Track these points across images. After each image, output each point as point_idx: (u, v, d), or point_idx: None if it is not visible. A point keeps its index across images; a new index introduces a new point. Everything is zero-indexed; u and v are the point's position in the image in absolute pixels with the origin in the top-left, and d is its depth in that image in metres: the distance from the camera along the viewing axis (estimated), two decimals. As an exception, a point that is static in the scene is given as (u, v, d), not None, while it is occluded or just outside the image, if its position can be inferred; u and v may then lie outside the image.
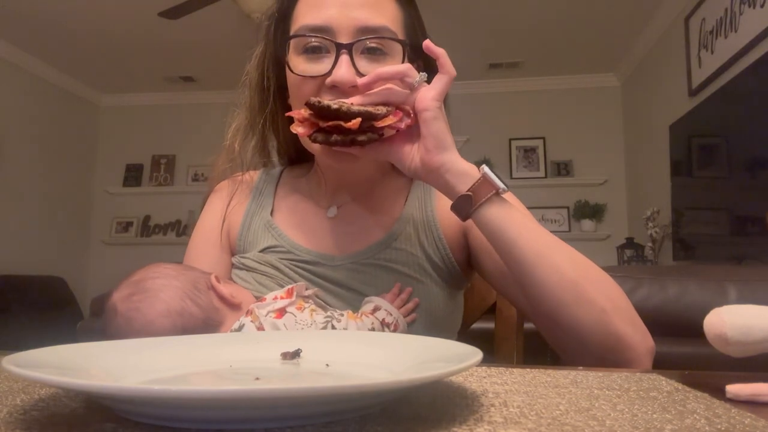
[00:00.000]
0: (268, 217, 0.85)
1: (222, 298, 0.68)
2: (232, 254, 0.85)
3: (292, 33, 0.73)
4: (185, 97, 5.18)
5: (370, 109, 0.60)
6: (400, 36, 0.73)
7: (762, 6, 2.50)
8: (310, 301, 0.71)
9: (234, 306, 0.68)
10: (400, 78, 0.63)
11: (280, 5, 0.79)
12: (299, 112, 0.63)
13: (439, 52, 0.63)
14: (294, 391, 0.28)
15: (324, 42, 0.69)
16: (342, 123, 0.59)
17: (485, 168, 0.63)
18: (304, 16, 0.72)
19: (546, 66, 4.56)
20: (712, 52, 2.99)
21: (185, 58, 4.48)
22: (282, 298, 0.68)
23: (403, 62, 0.71)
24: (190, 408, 0.30)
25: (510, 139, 4.83)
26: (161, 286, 0.64)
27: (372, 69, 0.68)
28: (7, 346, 0.64)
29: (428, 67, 0.82)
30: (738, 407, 0.35)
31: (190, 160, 5.14)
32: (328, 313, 0.68)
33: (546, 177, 4.75)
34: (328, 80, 0.68)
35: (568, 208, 4.69)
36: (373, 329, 0.68)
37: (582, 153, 4.73)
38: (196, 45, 4.20)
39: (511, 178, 4.77)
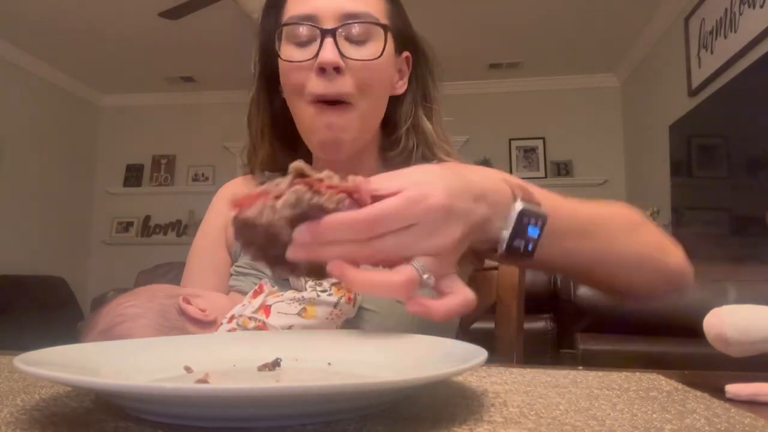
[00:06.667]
0: None
1: (194, 320, 0.66)
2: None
3: (282, 23, 0.77)
4: (185, 97, 5.17)
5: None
6: (384, 22, 0.76)
7: (762, 6, 2.50)
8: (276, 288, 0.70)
9: (207, 324, 0.66)
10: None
11: None
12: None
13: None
14: (294, 390, 0.28)
15: (310, 30, 0.73)
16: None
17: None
18: (294, 7, 0.76)
19: (546, 66, 4.56)
20: (712, 52, 2.99)
21: (185, 58, 4.47)
22: (255, 295, 0.67)
23: (385, 46, 0.74)
24: (189, 406, 0.30)
25: (510, 139, 4.83)
26: (129, 330, 0.62)
27: (356, 53, 0.72)
28: (7, 346, 0.64)
29: (415, 54, 0.83)
30: (738, 407, 0.35)
31: (190, 160, 5.14)
32: (312, 289, 0.65)
33: (546, 177, 4.74)
34: (315, 63, 0.72)
35: (568, 208, 4.69)
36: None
37: (582, 153, 4.73)
38: (196, 45, 4.20)
39: (511, 178, 4.77)
